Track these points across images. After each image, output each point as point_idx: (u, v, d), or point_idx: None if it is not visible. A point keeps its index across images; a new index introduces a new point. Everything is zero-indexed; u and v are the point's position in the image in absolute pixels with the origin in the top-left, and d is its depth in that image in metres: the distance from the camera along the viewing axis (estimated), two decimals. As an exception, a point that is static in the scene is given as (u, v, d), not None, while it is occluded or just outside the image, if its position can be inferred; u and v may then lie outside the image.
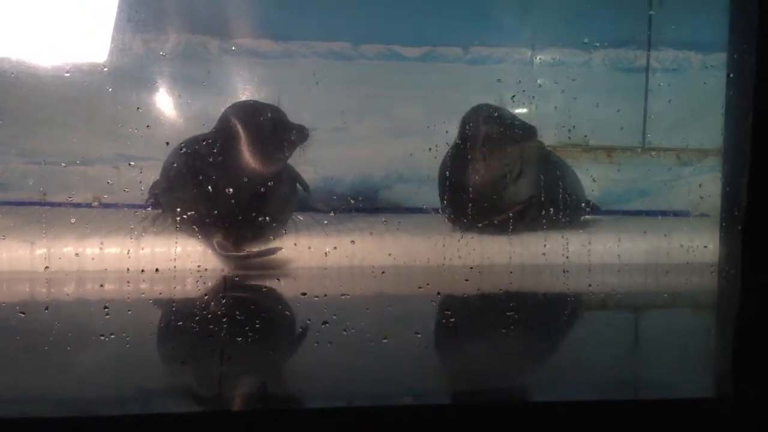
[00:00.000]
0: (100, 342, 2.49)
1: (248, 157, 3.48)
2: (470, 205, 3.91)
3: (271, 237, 3.64)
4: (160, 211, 3.90)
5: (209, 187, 3.44)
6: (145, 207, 3.95)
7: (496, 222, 3.93)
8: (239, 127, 3.52)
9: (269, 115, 3.54)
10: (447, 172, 4.04)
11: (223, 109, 3.66)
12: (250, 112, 3.59)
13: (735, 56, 2.27)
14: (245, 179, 3.48)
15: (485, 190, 3.96)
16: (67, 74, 3.82)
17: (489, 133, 3.98)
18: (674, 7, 4.95)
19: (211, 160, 3.48)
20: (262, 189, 3.50)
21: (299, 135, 3.57)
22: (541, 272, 3.82)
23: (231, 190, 3.44)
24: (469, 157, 3.99)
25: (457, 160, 4.03)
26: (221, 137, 3.54)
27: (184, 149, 3.61)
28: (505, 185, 4.04)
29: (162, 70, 4.41)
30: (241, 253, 3.55)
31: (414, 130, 4.73)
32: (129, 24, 4.17)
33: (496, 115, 4.02)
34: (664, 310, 3.41)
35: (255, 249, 3.60)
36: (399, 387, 2.23)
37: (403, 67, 5.16)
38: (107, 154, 4.27)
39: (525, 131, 3.97)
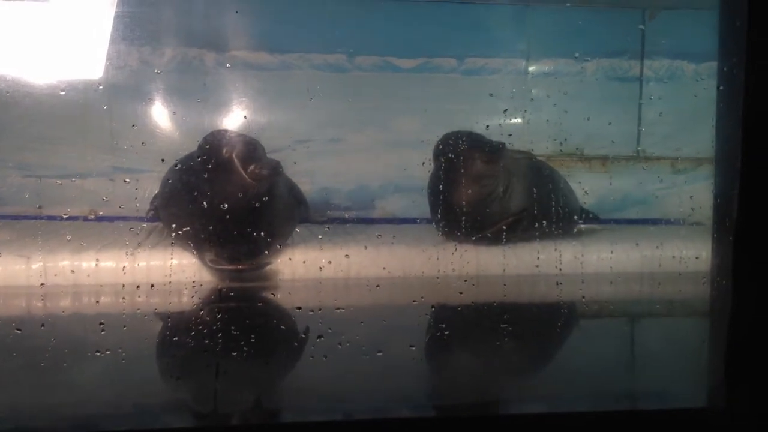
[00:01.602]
0: (95, 358, 2.50)
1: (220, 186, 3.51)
2: (460, 222, 3.96)
3: (266, 251, 3.65)
4: (157, 223, 3.91)
5: (202, 204, 3.46)
6: (145, 219, 3.95)
7: (489, 235, 3.97)
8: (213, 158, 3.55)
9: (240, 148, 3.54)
10: (432, 195, 4.13)
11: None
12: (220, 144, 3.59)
13: (725, 69, 2.28)
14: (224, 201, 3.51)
15: (470, 209, 4.00)
16: (63, 92, 3.83)
17: (461, 158, 4.04)
18: (667, 18, 5.00)
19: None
20: (257, 205, 3.52)
21: (270, 170, 3.57)
22: (535, 284, 3.84)
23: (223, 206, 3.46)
24: (448, 182, 4.06)
25: (439, 184, 4.10)
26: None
27: (179, 166, 3.63)
28: (490, 202, 4.08)
29: (158, 86, 4.42)
30: (232, 267, 3.57)
31: (410, 141, 4.75)
32: (124, 41, 4.19)
33: (464, 140, 4.09)
34: (657, 320, 3.42)
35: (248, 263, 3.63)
36: (394, 400, 2.24)
37: (399, 78, 5.16)
38: (103, 168, 4.28)
39: (493, 149, 4.03)
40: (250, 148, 3.58)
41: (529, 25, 5.09)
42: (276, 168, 3.55)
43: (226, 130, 3.72)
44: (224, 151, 3.53)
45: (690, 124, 4.53)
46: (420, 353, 2.73)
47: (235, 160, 3.51)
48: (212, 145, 3.58)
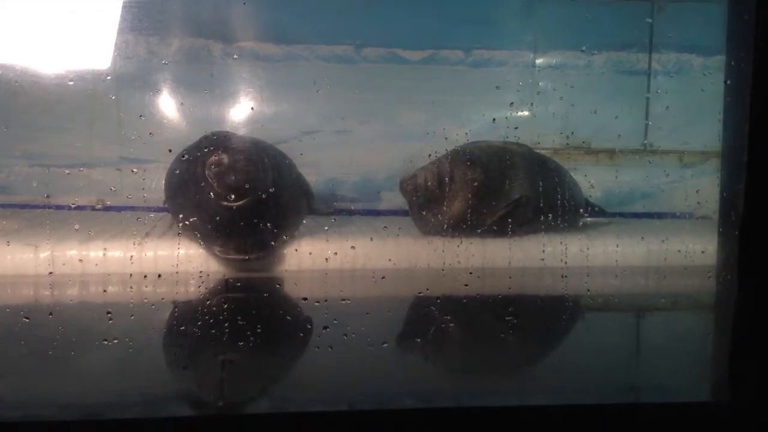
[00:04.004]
0: (103, 347, 2.52)
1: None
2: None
3: (272, 242, 3.66)
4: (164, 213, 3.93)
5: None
6: (153, 208, 3.97)
7: (492, 222, 3.97)
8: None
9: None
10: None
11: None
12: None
13: (732, 63, 2.28)
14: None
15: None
16: (71, 82, 3.84)
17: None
18: (675, 11, 4.97)
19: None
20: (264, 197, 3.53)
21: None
22: (540, 277, 3.84)
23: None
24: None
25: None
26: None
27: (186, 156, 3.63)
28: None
29: (165, 77, 4.44)
30: (240, 256, 3.58)
31: (416, 133, 4.76)
32: (132, 32, 4.20)
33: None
34: (662, 314, 3.42)
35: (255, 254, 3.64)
36: (399, 391, 2.25)
37: (405, 70, 5.16)
38: (111, 158, 4.30)
39: None
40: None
41: (536, 18, 5.08)
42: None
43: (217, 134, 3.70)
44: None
45: (697, 117, 4.53)
46: (425, 345, 2.74)
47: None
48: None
